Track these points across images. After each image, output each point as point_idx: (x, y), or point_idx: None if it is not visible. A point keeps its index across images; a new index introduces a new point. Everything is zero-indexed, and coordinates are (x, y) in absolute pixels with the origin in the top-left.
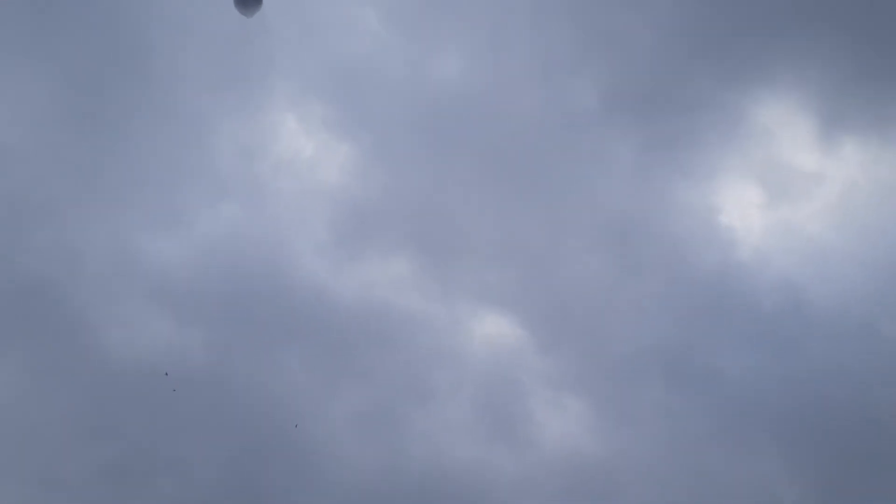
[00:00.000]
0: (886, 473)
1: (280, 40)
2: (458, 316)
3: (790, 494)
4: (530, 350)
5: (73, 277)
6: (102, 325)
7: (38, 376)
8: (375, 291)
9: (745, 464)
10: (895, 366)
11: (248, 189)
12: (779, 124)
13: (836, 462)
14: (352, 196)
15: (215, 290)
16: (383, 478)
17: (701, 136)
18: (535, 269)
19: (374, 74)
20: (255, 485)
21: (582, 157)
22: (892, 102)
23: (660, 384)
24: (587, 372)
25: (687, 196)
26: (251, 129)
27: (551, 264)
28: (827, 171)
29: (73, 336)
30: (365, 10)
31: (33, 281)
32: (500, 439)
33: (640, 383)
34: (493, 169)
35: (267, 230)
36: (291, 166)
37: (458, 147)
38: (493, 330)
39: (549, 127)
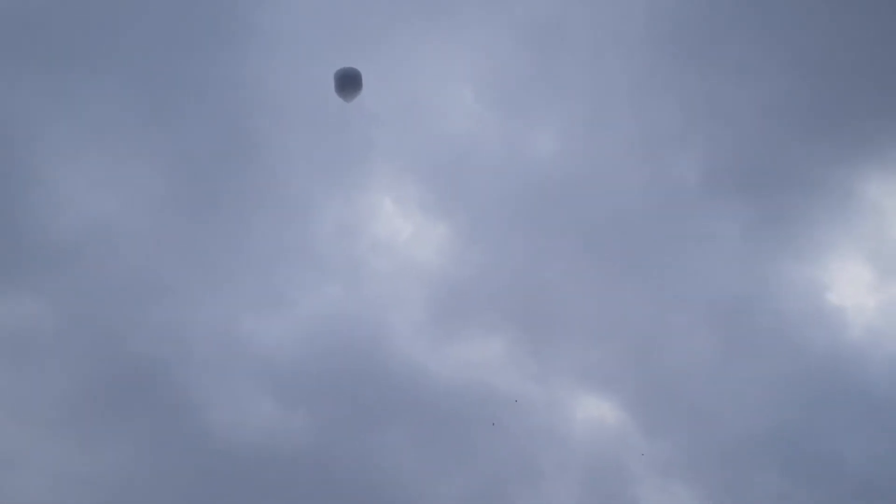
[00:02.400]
0: None
1: (379, 123)
2: (559, 397)
3: None
4: (635, 433)
5: (182, 358)
6: (209, 405)
7: (146, 454)
8: (475, 371)
9: None
10: None
11: (348, 269)
12: (889, 201)
13: None
14: (449, 275)
15: (318, 371)
16: None
17: (808, 213)
18: (637, 349)
19: (470, 154)
20: None
21: (685, 235)
22: None
23: (774, 470)
24: (696, 457)
25: (795, 274)
26: (351, 210)
27: (655, 344)
28: None
29: (181, 415)
30: (462, 89)
31: (144, 360)
32: None
33: (753, 469)
34: (593, 247)
35: (366, 310)
36: (390, 246)
37: (556, 225)
38: (595, 412)
39: (650, 204)
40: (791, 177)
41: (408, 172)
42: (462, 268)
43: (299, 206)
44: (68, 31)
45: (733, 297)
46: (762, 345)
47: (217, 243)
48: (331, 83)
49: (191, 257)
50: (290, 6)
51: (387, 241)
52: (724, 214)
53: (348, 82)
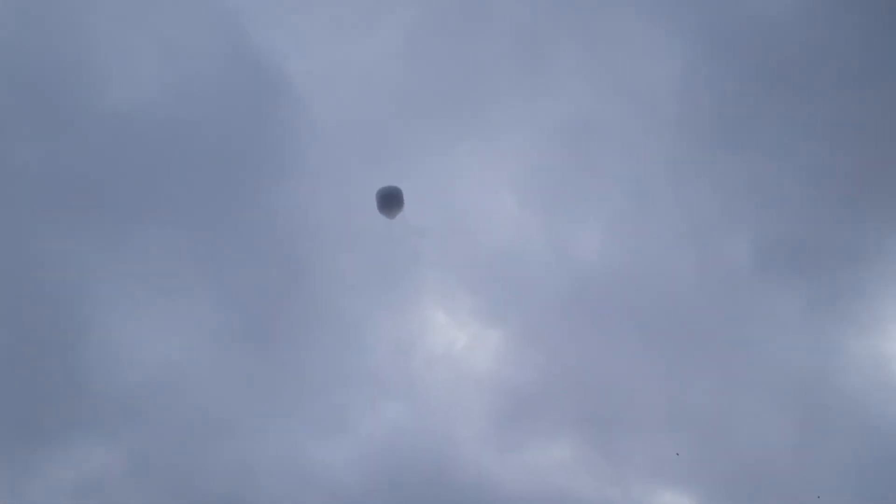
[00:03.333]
0: None
1: (424, 237)
2: (634, 497)
3: None
4: None
5: (253, 493)
6: None
7: None
8: (545, 476)
9: None
10: None
11: (406, 385)
12: None
13: None
14: (508, 381)
15: (387, 491)
16: None
17: (867, 285)
18: (709, 437)
19: (517, 258)
20: None
21: (743, 316)
22: None
23: None
24: None
25: (860, 347)
26: (404, 326)
27: (726, 430)
28: None
29: None
30: (502, 194)
31: (215, 499)
32: None
33: None
34: (651, 337)
35: (429, 424)
36: (446, 358)
37: (611, 319)
38: None
39: (704, 288)
40: (843, 248)
41: (457, 283)
42: (521, 372)
43: (353, 327)
44: (113, 185)
45: (800, 377)
46: (836, 420)
47: (276, 373)
48: (373, 203)
49: (252, 390)
50: (325, 134)
51: (442, 353)
52: (781, 292)
53: (390, 200)
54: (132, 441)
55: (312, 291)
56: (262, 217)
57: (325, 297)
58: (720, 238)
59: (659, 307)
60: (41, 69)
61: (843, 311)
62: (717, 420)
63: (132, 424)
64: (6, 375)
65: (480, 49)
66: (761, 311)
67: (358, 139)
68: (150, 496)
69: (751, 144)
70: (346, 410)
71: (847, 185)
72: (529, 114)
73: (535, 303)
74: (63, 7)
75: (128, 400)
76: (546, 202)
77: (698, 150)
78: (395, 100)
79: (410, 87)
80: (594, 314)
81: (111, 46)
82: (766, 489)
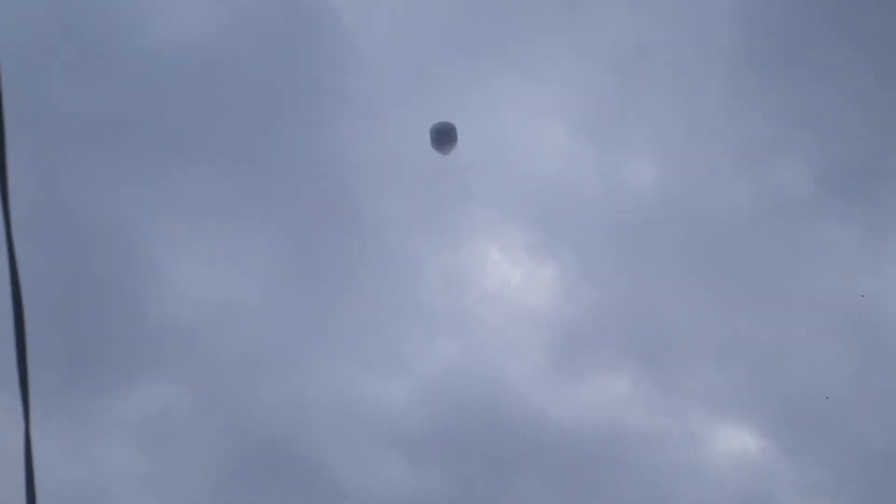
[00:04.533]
0: None
1: (475, 172)
2: (693, 429)
3: None
4: (777, 457)
5: (307, 427)
6: (340, 472)
7: None
8: (601, 411)
9: None
10: None
11: (460, 322)
12: None
13: None
14: (563, 316)
15: (443, 427)
16: None
17: None
18: (767, 367)
19: (570, 191)
20: None
21: (801, 244)
22: None
23: None
24: (845, 474)
25: None
26: (457, 262)
27: (784, 360)
28: None
29: (315, 484)
30: (553, 128)
31: (270, 432)
32: None
33: None
34: (707, 268)
35: (483, 361)
36: (499, 294)
37: (665, 251)
38: (732, 440)
39: (761, 217)
40: None
41: (510, 218)
42: (575, 307)
43: (405, 263)
44: (159, 126)
45: (858, 303)
46: (892, 351)
47: (328, 309)
48: (425, 138)
49: (305, 326)
50: (371, 68)
51: (496, 289)
52: (838, 221)
53: (444, 136)
54: (189, 378)
55: (364, 228)
56: (311, 153)
57: (377, 234)
58: (778, 165)
59: (714, 237)
60: (83, 13)
61: None
62: (775, 349)
63: (191, 360)
64: (67, 316)
65: None
66: (818, 240)
67: (405, 72)
68: (211, 431)
69: (809, 71)
70: (399, 346)
71: None
72: (577, 40)
73: (588, 235)
74: None
75: (184, 337)
76: (597, 132)
77: (754, 76)
78: (441, 32)
79: (456, 18)
80: (648, 245)
81: None
82: (825, 419)
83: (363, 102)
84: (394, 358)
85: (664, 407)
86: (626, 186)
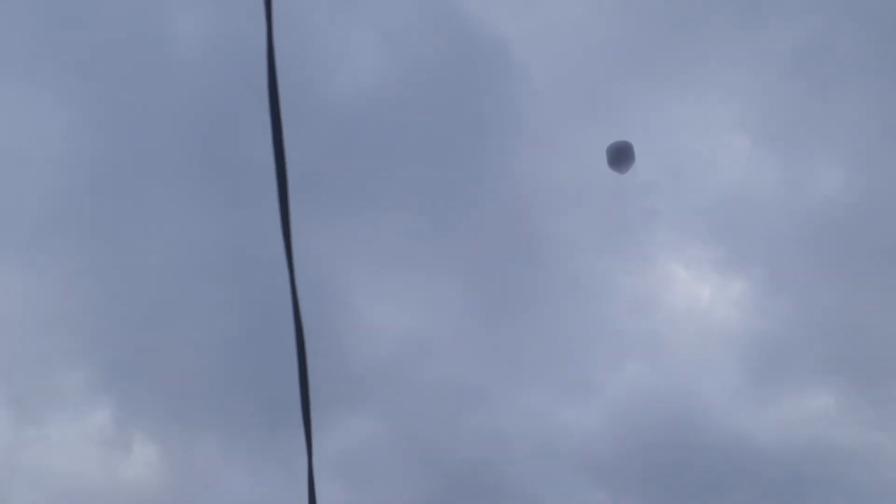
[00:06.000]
0: None
1: (656, 190)
2: None
3: None
4: None
5: (506, 457)
6: (540, 500)
7: None
8: (805, 428)
9: None
10: None
11: (650, 344)
12: None
13: None
14: (757, 332)
15: (639, 453)
16: None
17: None
18: None
19: (754, 201)
20: None
21: None
22: None
23: None
24: None
25: None
26: (643, 283)
27: None
28: None
29: None
30: (734, 137)
31: (472, 464)
32: None
33: None
34: None
35: (677, 382)
36: (689, 314)
37: (861, 258)
38: None
39: None
40: None
41: (694, 234)
42: (769, 322)
43: (591, 288)
44: (346, 174)
45: None
46: None
47: (518, 339)
48: (602, 160)
49: (497, 357)
50: (545, 97)
51: (685, 308)
52: None
53: (621, 154)
54: (389, 413)
55: (547, 256)
56: (491, 188)
57: (560, 262)
58: None
59: None
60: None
61: None
62: None
63: (390, 397)
64: (275, 360)
65: None
66: None
67: (577, 97)
68: (412, 464)
69: None
70: (590, 371)
71: None
72: (753, 46)
73: (777, 247)
74: (281, 7)
75: (382, 375)
76: (780, 138)
77: None
78: (609, 51)
79: (623, 37)
80: (842, 253)
81: (331, 39)
82: None
83: (538, 132)
84: (584, 383)
85: (871, 419)
86: (814, 193)
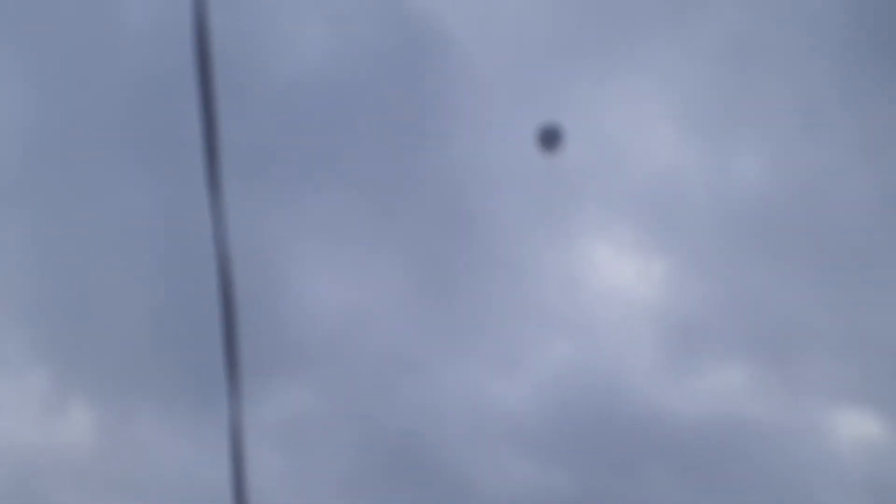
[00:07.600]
0: None
1: (583, 172)
2: (815, 418)
3: None
4: None
5: (438, 428)
6: (470, 471)
7: None
8: (720, 403)
9: None
10: None
11: (574, 321)
12: None
13: None
14: (677, 311)
15: (566, 426)
16: None
17: None
18: (891, 357)
19: (678, 187)
20: None
21: None
22: None
23: None
24: None
25: None
26: (569, 262)
27: None
28: None
29: (445, 482)
30: (661, 123)
31: (404, 435)
32: None
33: None
34: (825, 260)
35: (601, 358)
36: (612, 291)
37: (779, 244)
38: (859, 428)
39: (881, 208)
40: None
41: (619, 216)
42: (689, 301)
43: (520, 267)
44: (289, 152)
45: None
46: None
47: (452, 315)
48: (532, 141)
49: (431, 332)
50: (480, 78)
51: (608, 287)
52: None
53: (550, 136)
54: (326, 384)
55: (479, 236)
56: (427, 170)
57: (492, 241)
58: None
59: (832, 226)
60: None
61: None
62: None
63: (325, 368)
64: (215, 328)
65: None
66: None
67: (512, 81)
68: (345, 434)
69: None
70: (520, 347)
71: None
72: (683, 36)
73: (699, 230)
74: None
75: (319, 346)
76: (706, 127)
77: (870, 64)
78: (544, 38)
79: (559, 22)
80: (761, 239)
81: (276, 21)
82: None
83: (473, 115)
84: (514, 358)
85: (783, 397)
86: (737, 180)
